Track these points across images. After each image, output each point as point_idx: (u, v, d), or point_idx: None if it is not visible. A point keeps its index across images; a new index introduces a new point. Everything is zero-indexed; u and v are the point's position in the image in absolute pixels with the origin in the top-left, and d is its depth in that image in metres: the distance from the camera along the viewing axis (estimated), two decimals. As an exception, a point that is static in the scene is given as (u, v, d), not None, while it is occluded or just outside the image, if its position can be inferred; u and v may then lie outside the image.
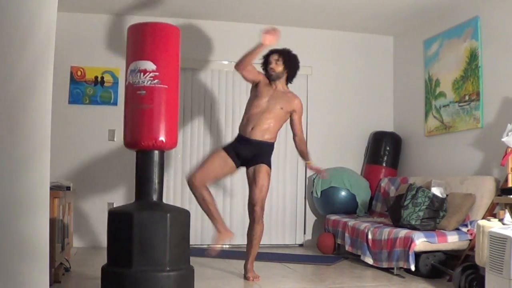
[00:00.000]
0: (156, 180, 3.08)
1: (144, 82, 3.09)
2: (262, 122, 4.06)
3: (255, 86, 4.18)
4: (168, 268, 2.89)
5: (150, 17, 5.22)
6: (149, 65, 3.13)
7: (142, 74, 3.10)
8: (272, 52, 4.18)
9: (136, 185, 3.12)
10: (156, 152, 3.09)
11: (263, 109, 4.09)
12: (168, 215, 2.94)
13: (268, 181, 4.03)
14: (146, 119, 3.05)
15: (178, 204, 5.64)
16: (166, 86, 3.10)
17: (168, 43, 3.16)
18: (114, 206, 5.36)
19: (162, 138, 3.06)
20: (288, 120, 4.22)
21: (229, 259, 4.89)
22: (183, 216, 3.11)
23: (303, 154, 4.27)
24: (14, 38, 2.12)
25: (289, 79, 4.28)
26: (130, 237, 2.86)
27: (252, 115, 4.08)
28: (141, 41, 3.14)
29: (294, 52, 4.23)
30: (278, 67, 4.14)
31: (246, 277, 3.99)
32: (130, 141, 3.10)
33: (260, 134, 4.05)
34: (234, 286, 3.79)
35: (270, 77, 4.16)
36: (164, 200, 5.29)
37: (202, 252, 5.21)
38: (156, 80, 3.09)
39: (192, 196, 5.65)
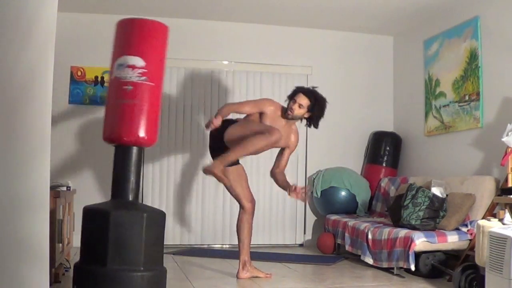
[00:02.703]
0: (133, 179, 3.04)
1: (131, 78, 3.06)
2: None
3: (260, 113, 3.91)
4: (142, 268, 2.86)
5: (150, 16, 5.21)
6: (139, 61, 3.10)
7: (130, 69, 3.07)
8: (302, 92, 3.91)
9: (113, 183, 3.08)
10: (135, 148, 3.05)
11: None
12: (145, 215, 2.91)
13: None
14: (129, 114, 3.02)
15: (177, 205, 5.65)
16: (153, 84, 3.08)
17: (158, 41, 3.15)
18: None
19: (143, 134, 3.01)
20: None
21: (229, 259, 4.88)
22: (159, 217, 3.06)
23: (285, 183, 3.95)
24: (14, 38, 2.12)
25: (311, 123, 4.01)
26: (106, 235, 2.83)
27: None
28: (132, 37, 3.11)
29: (320, 94, 3.98)
30: (300, 111, 3.88)
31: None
32: (110, 136, 3.05)
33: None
34: (234, 286, 3.78)
35: (286, 116, 3.92)
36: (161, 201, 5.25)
37: (202, 252, 5.22)
38: (144, 77, 3.07)
39: (191, 196, 5.69)
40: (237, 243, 3.88)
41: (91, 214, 2.98)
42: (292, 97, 3.94)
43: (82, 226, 3.00)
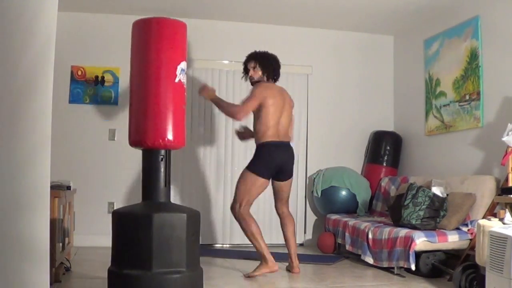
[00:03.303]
0: (164, 180, 3.05)
1: (185, 83, 3.12)
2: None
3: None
4: (185, 269, 2.86)
5: (149, 15, 5.21)
6: (185, 65, 3.16)
7: (185, 73, 3.12)
8: (248, 59, 4.28)
9: (143, 186, 3.07)
10: (165, 151, 3.07)
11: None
12: (185, 215, 2.90)
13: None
14: (183, 118, 3.13)
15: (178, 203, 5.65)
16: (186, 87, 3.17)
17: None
18: (115, 205, 5.36)
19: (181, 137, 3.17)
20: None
21: (229, 258, 4.89)
22: (196, 216, 3.07)
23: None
24: (15, 38, 2.12)
25: (273, 77, 4.30)
26: (150, 239, 2.80)
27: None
28: (184, 41, 3.17)
29: (268, 51, 4.30)
30: (256, 73, 4.23)
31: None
32: (179, 140, 3.08)
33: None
34: (234, 286, 3.79)
35: (251, 82, 4.27)
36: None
37: (202, 251, 5.22)
38: (185, 80, 3.13)
39: (191, 195, 5.69)
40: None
41: (127, 218, 2.92)
42: (246, 68, 4.31)
43: (115, 231, 2.95)
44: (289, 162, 4.19)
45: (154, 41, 3.04)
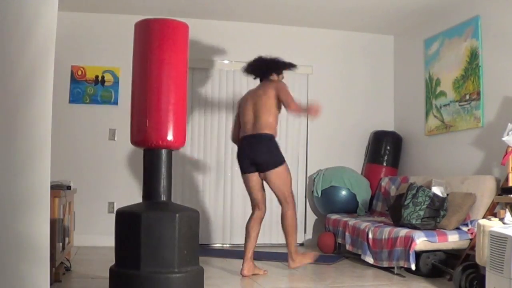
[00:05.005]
0: (165, 180, 3.03)
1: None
2: None
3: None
4: (176, 270, 2.82)
5: (150, 16, 5.21)
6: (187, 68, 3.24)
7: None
8: (247, 72, 4.47)
9: (144, 185, 3.06)
10: (166, 150, 3.04)
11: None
12: (177, 215, 2.86)
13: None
14: (184, 119, 3.16)
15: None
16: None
17: None
18: (115, 205, 5.36)
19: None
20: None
21: (229, 258, 4.89)
22: (192, 216, 3.02)
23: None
24: (15, 38, 2.12)
25: (277, 73, 4.44)
26: (138, 238, 2.78)
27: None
28: (187, 43, 3.27)
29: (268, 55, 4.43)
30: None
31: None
32: (180, 140, 3.06)
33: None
34: (233, 285, 3.79)
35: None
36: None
37: (202, 251, 5.22)
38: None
39: (197, 196, 5.69)
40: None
41: (123, 217, 2.94)
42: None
43: (115, 230, 2.97)
44: None
45: (163, 42, 3.05)
